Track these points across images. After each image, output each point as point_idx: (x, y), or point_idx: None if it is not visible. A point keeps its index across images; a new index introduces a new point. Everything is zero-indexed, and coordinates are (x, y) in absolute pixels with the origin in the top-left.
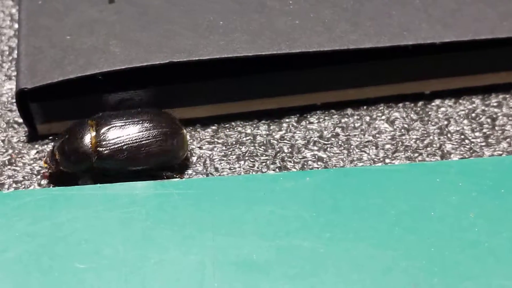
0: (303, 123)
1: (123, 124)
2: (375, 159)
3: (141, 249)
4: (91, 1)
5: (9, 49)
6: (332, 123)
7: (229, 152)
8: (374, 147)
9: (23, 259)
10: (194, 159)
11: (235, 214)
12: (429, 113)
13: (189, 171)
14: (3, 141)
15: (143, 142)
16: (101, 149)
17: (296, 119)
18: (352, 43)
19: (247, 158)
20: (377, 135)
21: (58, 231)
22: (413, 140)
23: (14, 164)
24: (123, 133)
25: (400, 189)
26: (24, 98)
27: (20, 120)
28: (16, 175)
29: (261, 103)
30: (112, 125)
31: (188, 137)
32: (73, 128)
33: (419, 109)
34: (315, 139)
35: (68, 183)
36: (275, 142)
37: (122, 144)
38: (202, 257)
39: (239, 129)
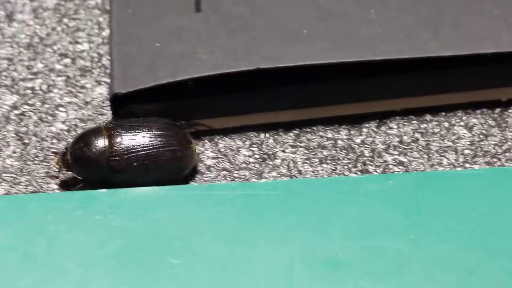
0: (383, 128)
1: (137, 132)
2: (455, 164)
3: (231, 246)
4: (178, 10)
5: (98, 56)
6: (412, 129)
7: (312, 156)
8: (453, 152)
9: (120, 254)
10: (278, 161)
11: (321, 215)
12: (507, 119)
13: (273, 173)
14: None
15: (154, 153)
16: (113, 163)
17: (376, 124)
18: (433, 51)
19: (329, 161)
20: (456, 141)
21: (152, 228)
22: (492, 145)
23: None
24: (136, 143)
25: (480, 193)
26: (117, 102)
27: None
28: None
29: (341, 109)
30: (124, 136)
31: (197, 150)
32: (86, 136)
33: (496, 115)
34: (395, 143)
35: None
36: (356, 146)
37: (134, 158)
38: (291, 255)
39: (321, 133)
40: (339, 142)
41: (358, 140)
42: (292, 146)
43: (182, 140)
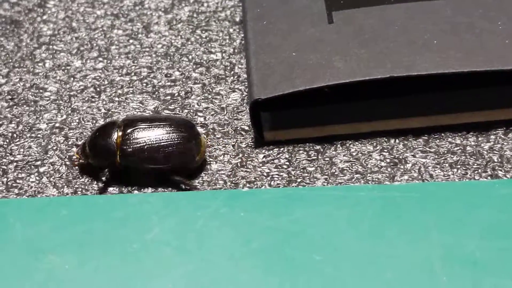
0: (510, 135)
1: (147, 126)
2: None
3: (371, 244)
4: (312, 22)
5: (231, 65)
6: None
7: (442, 161)
8: None
9: (265, 250)
10: (408, 166)
11: (456, 216)
12: None
13: (405, 177)
14: (233, 145)
15: (162, 144)
16: (124, 147)
17: (503, 131)
18: None
19: (459, 166)
20: None
21: (294, 226)
22: None
23: (245, 167)
24: (146, 134)
25: None
26: (256, 108)
27: (246, 128)
28: (248, 176)
29: (469, 116)
30: (137, 127)
31: (206, 143)
32: (103, 127)
33: None
34: None
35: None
36: (485, 152)
37: (144, 144)
38: (429, 254)
39: (449, 139)
40: (468, 148)
41: (486, 147)
42: (422, 151)
43: (186, 135)
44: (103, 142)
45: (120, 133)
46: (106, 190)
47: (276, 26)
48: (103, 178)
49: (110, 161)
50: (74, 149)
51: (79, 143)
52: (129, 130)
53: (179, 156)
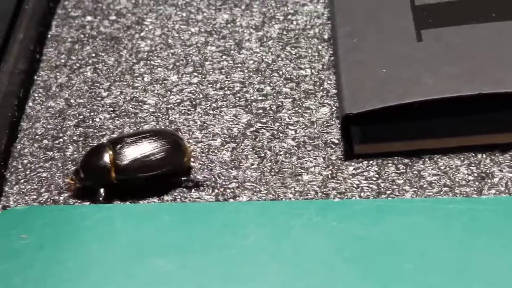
0: None
1: (133, 140)
2: None
3: (461, 254)
4: (401, 40)
5: (320, 80)
6: None
7: None
8: None
9: (358, 258)
10: (496, 180)
11: None
12: None
13: (493, 191)
14: (324, 158)
15: (152, 151)
16: (118, 161)
17: None
18: None
19: None
20: None
21: (385, 235)
22: None
23: (336, 178)
24: (135, 146)
25: None
26: (346, 122)
27: (336, 141)
28: (339, 187)
29: None
30: (124, 142)
31: (189, 148)
32: (92, 151)
33: None
34: None
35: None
36: None
37: (135, 155)
38: None
39: None
40: None
41: None
42: (509, 166)
43: (170, 140)
44: (98, 162)
45: (111, 152)
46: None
47: (366, 44)
48: (100, 199)
49: (107, 179)
50: (67, 179)
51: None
52: (118, 147)
53: (169, 159)
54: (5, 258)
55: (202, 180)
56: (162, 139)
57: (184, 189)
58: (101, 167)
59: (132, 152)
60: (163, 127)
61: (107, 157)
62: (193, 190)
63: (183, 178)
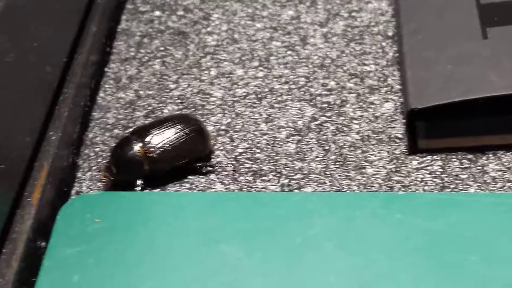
0: None
1: (160, 130)
2: None
3: None
4: (467, 38)
5: (384, 76)
6: None
7: None
8: None
9: (423, 249)
10: None
11: None
12: None
13: None
14: (388, 152)
15: (181, 140)
16: (150, 154)
17: None
18: None
19: None
20: None
21: (450, 228)
22: None
23: (400, 172)
24: (163, 137)
25: None
26: (411, 117)
27: (400, 135)
28: (402, 181)
29: None
30: (151, 133)
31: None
32: (120, 145)
33: None
34: None
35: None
36: None
37: (166, 145)
38: None
39: None
40: None
41: None
42: None
43: (193, 127)
44: (130, 156)
45: (140, 144)
46: None
47: (431, 41)
48: (139, 189)
49: (140, 171)
50: (100, 173)
51: (103, 165)
52: (147, 139)
53: (195, 145)
54: (81, 241)
55: (217, 165)
56: (187, 126)
57: (200, 175)
58: (134, 161)
59: (161, 142)
60: (183, 112)
61: (138, 150)
62: (211, 176)
63: (199, 165)
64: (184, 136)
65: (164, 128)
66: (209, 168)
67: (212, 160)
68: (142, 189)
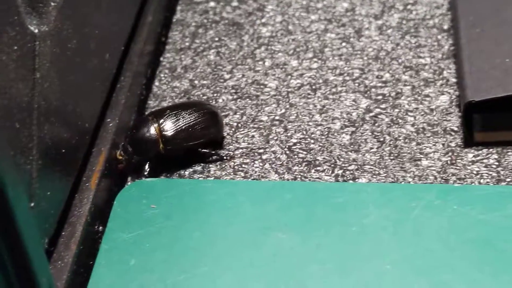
0: None
1: (175, 112)
2: None
3: None
4: None
5: (439, 69)
6: None
7: None
8: None
9: (479, 240)
10: None
11: None
12: None
13: None
14: (443, 144)
15: (195, 121)
16: (164, 133)
17: None
18: None
19: None
20: None
21: (506, 220)
22: None
23: (455, 165)
24: (177, 118)
25: None
26: (468, 110)
27: (455, 128)
28: (458, 173)
29: None
30: (167, 115)
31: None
32: (137, 126)
33: None
34: None
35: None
36: None
37: (180, 126)
38: None
39: None
40: None
41: None
42: None
43: (207, 111)
44: (146, 135)
45: (156, 124)
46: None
47: (489, 34)
48: (146, 173)
49: (155, 150)
50: (116, 152)
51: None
52: (162, 120)
53: (209, 128)
54: (138, 226)
55: (227, 154)
56: (201, 109)
57: (209, 162)
58: (150, 140)
59: (176, 123)
60: (195, 99)
61: (153, 130)
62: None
63: (211, 151)
64: (198, 118)
65: (180, 109)
66: (219, 155)
67: (264, 149)
68: (149, 174)
